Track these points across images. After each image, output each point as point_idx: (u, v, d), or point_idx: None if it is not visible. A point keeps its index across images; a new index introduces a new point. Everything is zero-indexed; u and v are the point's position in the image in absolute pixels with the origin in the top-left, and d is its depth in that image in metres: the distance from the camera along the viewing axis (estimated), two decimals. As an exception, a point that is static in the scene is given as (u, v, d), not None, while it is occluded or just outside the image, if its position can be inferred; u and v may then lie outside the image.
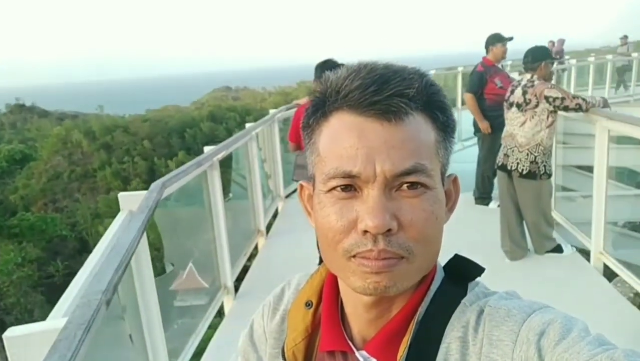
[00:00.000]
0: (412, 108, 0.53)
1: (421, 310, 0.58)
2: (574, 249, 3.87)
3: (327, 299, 0.65)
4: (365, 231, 0.52)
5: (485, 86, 4.81)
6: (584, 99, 3.44)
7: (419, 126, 0.54)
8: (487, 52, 4.85)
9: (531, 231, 3.81)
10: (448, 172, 0.60)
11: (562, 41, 13.89)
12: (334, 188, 0.54)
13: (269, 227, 5.08)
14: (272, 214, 5.36)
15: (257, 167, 4.79)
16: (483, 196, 5.17)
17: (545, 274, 3.60)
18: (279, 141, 5.71)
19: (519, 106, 3.56)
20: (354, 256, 0.53)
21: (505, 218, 3.84)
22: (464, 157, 8.35)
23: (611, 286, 3.52)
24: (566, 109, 3.43)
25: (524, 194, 3.67)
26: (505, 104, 3.73)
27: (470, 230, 4.55)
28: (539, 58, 3.56)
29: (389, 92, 0.52)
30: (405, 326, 0.58)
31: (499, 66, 4.95)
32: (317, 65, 3.40)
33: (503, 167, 3.71)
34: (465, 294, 0.59)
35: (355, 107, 0.53)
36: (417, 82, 0.54)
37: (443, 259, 0.63)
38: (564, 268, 3.66)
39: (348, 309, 0.63)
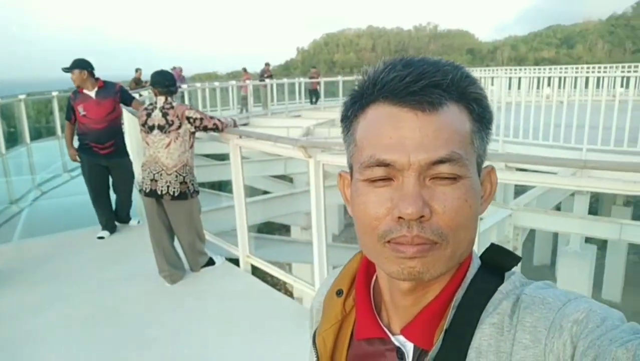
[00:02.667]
0: (446, 99, 0.54)
1: (458, 295, 0.59)
2: (224, 258, 4.16)
3: (360, 288, 0.67)
4: (400, 218, 0.53)
5: (74, 112, 4.59)
6: (219, 120, 3.73)
7: (454, 116, 0.55)
8: None
9: (186, 250, 3.86)
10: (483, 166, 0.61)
11: (181, 68, 15.72)
12: (370, 177, 0.55)
13: None
14: None
15: None
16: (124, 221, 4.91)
17: (206, 287, 3.73)
18: None
19: (161, 128, 3.54)
20: (388, 242, 0.55)
21: (160, 243, 3.74)
22: (75, 189, 7.70)
23: (259, 280, 3.98)
24: (205, 129, 3.64)
25: (177, 215, 3.68)
26: (142, 128, 3.63)
27: (121, 263, 4.23)
28: (174, 82, 3.67)
29: (424, 83, 0.54)
30: (442, 312, 0.59)
31: (89, 93, 4.59)
32: None
33: (152, 193, 3.60)
34: (501, 282, 0.60)
35: (391, 98, 0.55)
36: (452, 74, 0.55)
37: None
38: (221, 277, 3.88)
39: (385, 296, 0.64)
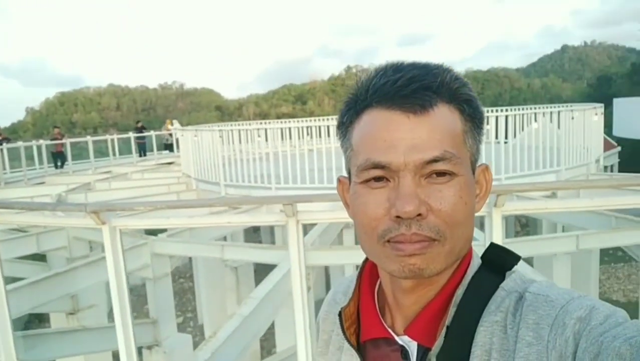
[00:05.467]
0: (437, 100, 0.56)
1: (459, 292, 0.59)
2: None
3: (365, 291, 0.68)
4: (398, 217, 0.54)
5: None
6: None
7: (445, 117, 0.57)
8: None
9: None
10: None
11: None
12: (367, 179, 0.57)
13: None
14: None
15: None
16: None
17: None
18: None
19: None
20: (388, 241, 0.56)
21: None
22: None
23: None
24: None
25: None
26: None
27: None
28: None
29: (415, 87, 0.55)
30: (444, 310, 0.60)
31: None
32: None
33: None
34: (502, 280, 0.60)
35: (383, 103, 0.57)
36: (441, 76, 0.57)
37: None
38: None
39: (388, 298, 0.64)
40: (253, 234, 15.89)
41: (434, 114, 0.56)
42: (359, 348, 0.66)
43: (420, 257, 0.55)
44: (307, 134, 8.99)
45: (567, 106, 9.16)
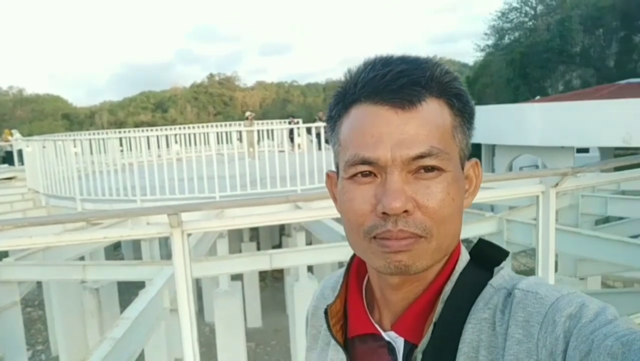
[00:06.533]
0: (425, 95, 0.55)
1: (447, 289, 0.59)
2: None
3: (352, 286, 0.68)
4: (384, 213, 0.54)
5: None
6: None
7: (434, 112, 0.56)
8: None
9: None
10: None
11: None
12: (354, 174, 0.57)
13: None
14: None
15: None
16: None
17: None
18: None
19: None
20: (374, 238, 0.55)
21: None
22: None
23: None
24: None
25: None
26: None
27: None
28: None
29: (403, 81, 0.55)
30: (431, 306, 0.59)
31: None
32: None
33: None
34: (490, 277, 0.60)
35: (372, 98, 0.56)
36: (431, 70, 0.56)
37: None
38: None
39: (376, 294, 0.64)
40: (114, 252, 14.68)
41: (422, 110, 0.55)
42: (346, 344, 0.65)
43: (406, 254, 0.54)
44: (176, 142, 8.60)
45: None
